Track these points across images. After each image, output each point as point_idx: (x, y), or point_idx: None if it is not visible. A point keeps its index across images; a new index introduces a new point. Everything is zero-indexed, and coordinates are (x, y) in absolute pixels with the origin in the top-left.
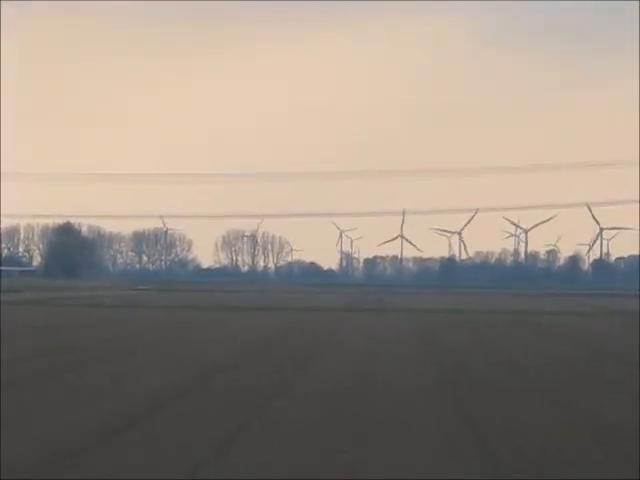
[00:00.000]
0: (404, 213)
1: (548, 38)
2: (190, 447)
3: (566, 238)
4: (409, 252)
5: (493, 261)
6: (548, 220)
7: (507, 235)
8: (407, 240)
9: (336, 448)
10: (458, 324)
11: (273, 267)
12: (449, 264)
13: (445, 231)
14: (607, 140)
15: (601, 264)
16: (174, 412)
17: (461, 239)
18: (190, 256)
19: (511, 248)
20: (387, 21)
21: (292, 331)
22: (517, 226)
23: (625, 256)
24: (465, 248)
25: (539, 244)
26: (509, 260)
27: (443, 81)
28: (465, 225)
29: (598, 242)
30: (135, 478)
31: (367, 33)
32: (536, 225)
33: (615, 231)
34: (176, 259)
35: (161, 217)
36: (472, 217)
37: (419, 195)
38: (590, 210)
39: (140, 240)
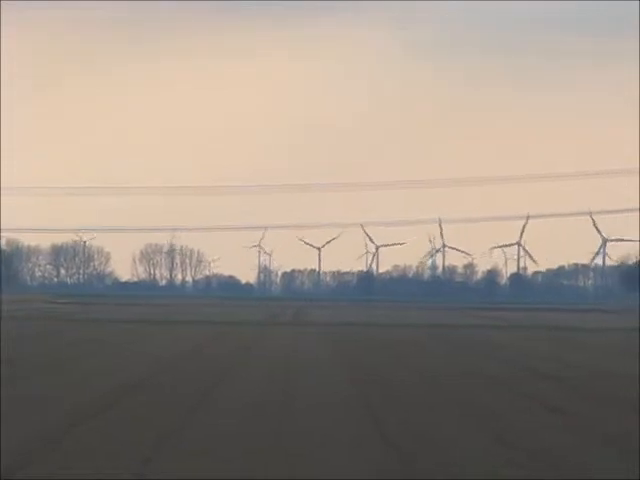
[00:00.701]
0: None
1: (457, 52)
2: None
3: (484, 251)
4: (327, 266)
5: (411, 275)
6: (401, 243)
7: (427, 252)
8: (319, 258)
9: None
10: (373, 338)
11: (191, 281)
12: (367, 278)
13: (370, 240)
14: (518, 153)
15: (518, 278)
16: (107, 417)
17: (377, 253)
18: (108, 269)
19: (428, 262)
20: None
21: (209, 345)
22: (433, 245)
23: (543, 270)
24: (377, 263)
25: (457, 258)
26: (427, 274)
27: (355, 95)
28: (387, 244)
29: (515, 255)
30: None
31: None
32: (453, 247)
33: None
34: (94, 272)
35: (87, 230)
36: (397, 243)
37: (340, 208)
38: (524, 226)
39: (58, 253)
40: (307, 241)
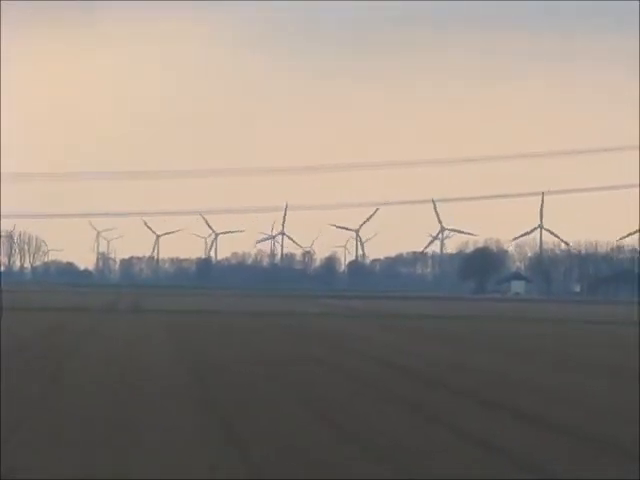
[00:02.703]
0: (158, 214)
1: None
2: None
3: (323, 240)
4: (166, 253)
5: (250, 262)
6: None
7: (263, 237)
8: (157, 245)
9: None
10: (211, 326)
11: (30, 267)
12: (205, 265)
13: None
14: (358, 143)
15: (357, 266)
16: None
17: (216, 240)
18: None
19: (267, 249)
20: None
21: (46, 334)
22: (269, 235)
23: (381, 257)
24: (216, 250)
25: (295, 245)
26: (265, 261)
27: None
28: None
29: (354, 243)
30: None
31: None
32: (282, 232)
33: (370, 233)
34: None
35: None
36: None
37: (176, 196)
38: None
39: None
40: (149, 226)
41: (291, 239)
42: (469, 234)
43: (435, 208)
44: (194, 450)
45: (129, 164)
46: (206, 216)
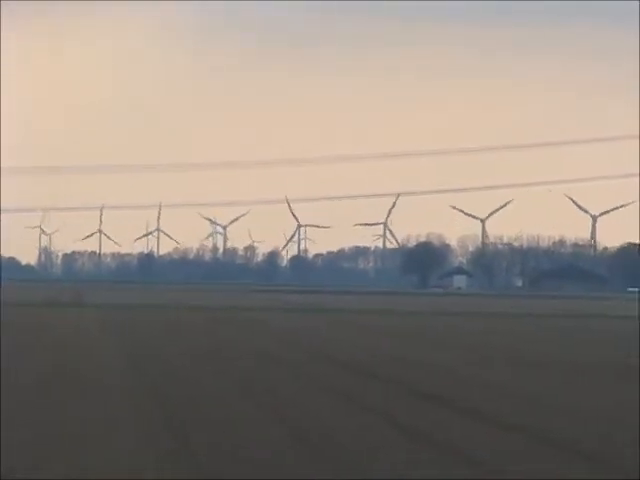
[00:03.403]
0: (102, 209)
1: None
2: None
3: (265, 234)
4: (108, 248)
5: (192, 257)
6: (243, 215)
7: (209, 233)
8: (106, 235)
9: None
10: (155, 321)
11: None
12: (147, 260)
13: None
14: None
15: (299, 260)
16: None
17: (159, 235)
18: None
19: (209, 244)
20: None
21: None
22: (214, 223)
23: (324, 252)
24: (158, 245)
25: (238, 240)
26: (208, 256)
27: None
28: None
29: (296, 238)
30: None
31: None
32: (234, 220)
33: (313, 229)
34: None
35: None
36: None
37: (117, 190)
38: (289, 206)
39: None
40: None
41: (224, 236)
42: (397, 242)
43: (395, 201)
44: (138, 442)
45: (65, 158)
46: (150, 210)
